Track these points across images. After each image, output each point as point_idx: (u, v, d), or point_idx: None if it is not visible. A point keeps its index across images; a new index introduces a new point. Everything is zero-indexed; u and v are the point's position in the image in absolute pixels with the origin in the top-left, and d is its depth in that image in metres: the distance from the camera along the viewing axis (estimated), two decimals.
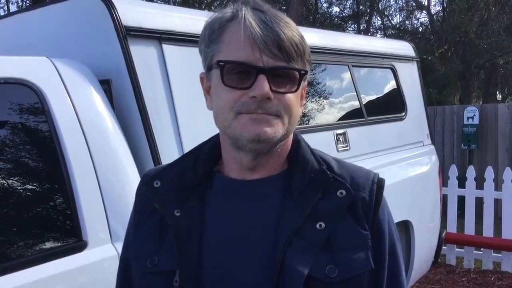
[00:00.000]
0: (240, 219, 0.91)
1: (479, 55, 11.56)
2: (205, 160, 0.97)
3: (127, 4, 1.85)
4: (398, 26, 16.58)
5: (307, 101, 2.80)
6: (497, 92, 16.85)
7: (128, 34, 1.79)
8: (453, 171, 5.32)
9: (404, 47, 3.73)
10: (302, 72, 0.87)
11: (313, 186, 0.90)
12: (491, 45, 10.64)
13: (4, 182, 1.47)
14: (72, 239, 1.51)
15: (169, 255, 0.90)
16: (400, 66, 3.55)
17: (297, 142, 0.95)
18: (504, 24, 11.82)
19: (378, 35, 17.52)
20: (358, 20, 16.64)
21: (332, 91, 2.92)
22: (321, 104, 2.84)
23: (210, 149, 0.98)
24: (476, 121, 7.53)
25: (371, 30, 16.96)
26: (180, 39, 1.94)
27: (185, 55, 1.95)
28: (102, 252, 1.54)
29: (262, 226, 0.89)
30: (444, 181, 5.43)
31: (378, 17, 17.34)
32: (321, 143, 2.63)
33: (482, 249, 5.11)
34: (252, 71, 0.84)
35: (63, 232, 1.54)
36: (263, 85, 0.83)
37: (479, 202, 5.28)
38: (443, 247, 5.22)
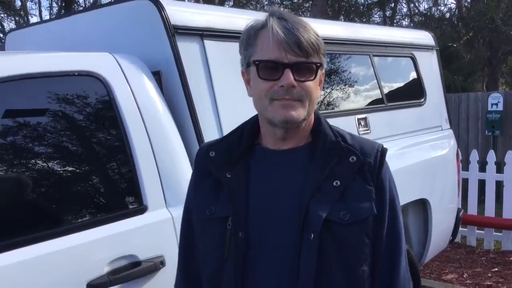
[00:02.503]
0: (276, 179, 1.20)
1: (506, 42, 11.51)
2: (247, 135, 1.26)
3: (175, 6, 2.14)
4: (425, 12, 16.48)
5: (331, 89, 3.06)
6: None
7: (175, 32, 2.08)
8: (474, 155, 5.50)
9: (424, 37, 3.93)
10: (318, 64, 1.14)
11: (330, 154, 1.18)
12: None
13: (77, 159, 1.80)
14: (136, 204, 1.83)
15: (223, 205, 1.19)
16: (419, 55, 3.76)
17: (318, 120, 1.23)
18: None
19: (404, 22, 17.48)
20: (384, 7, 16.60)
21: (354, 79, 3.16)
22: (343, 92, 3.10)
23: (251, 126, 1.27)
24: (500, 107, 7.61)
25: (396, 17, 16.92)
26: (219, 35, 2.23)
27: (223, 49, 2.24)
28: (159, 215, 1.86)
29: (292, 184, 1.18)
30: (465, 166, 5.63)
31: (404, 4, 17.27)
32: (343, 127, 2.87)
33: (502, 230, 5.29)
34: (280, 66, 1.12)
35: (129, 198, 1.86)
36: (289, 76, 1.11)
37: (501, 186, 5.45)
38: (464, 229, 5.44)
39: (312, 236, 1.11)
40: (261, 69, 1.14)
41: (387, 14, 16.97)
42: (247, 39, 1.18)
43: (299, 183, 1.17)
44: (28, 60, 1.79)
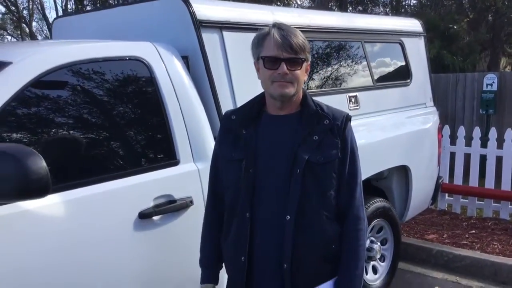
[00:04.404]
0: (275, 135, 1.79)
1: (508, 24, 11.88)
2: (257, 105, 1.84)
3: (200, 4, 2.70)
4: None
5: (326, 71, 3.62)
6: None
7: (200, 25, 2.65)
8: (461, 131, 6.03)
9: (413, 24, 4.45)
10: (303, 59, 1.71)
11: (312, 118, 1.77)
12: None
13: (130, 123, 2.39)
14: (171, 158, 2.43)
15: (240, 152, 1.79)
16: (407, 41, 4.29)
17: (305, 96, 1.82)
18: None
19: (412, 1, 17.75)
20: None
21: (347, 63, 3.72)
22: (337, 73, 3.65)
23: (260, 99, 1.86)
24: (494, 87, 8.07)
25: None
26: (235, 27, 2.79)
27: (238, 39, 2.81)
28: (188, 167, 2.46)
29: (286, 138, 1.77)
30: (454, 141, 6.19)
31: None
32: (336, 103, 3.43)
33: (484, 199, 5.86)
34: (278, 60, 1.69)
35: (167, 153, 2.45)
36: (283, 67, 1.68)
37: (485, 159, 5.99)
38: (450, 198, 6.03)
39: (298, 171, 1.71)
40: (266, 62, 1.72)
41: None
42: (257, 42, 1.76)
43: (291, 137, 1.76)
44: (92, 47, 2.38)
